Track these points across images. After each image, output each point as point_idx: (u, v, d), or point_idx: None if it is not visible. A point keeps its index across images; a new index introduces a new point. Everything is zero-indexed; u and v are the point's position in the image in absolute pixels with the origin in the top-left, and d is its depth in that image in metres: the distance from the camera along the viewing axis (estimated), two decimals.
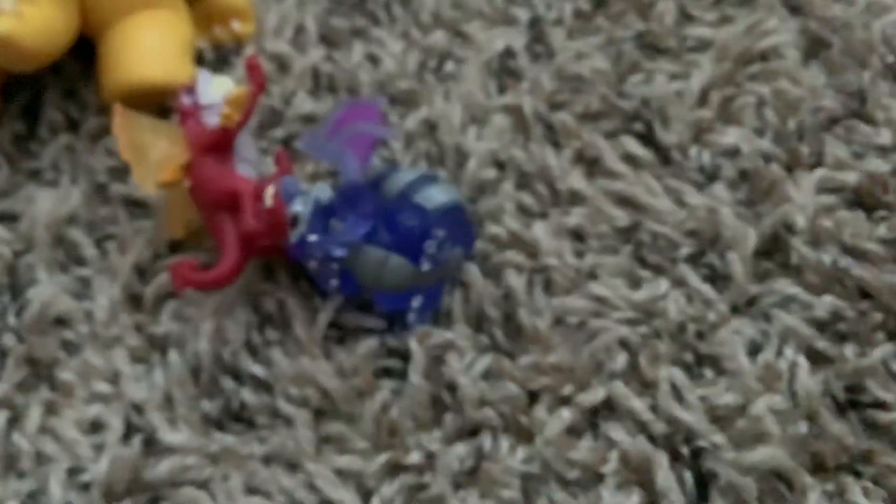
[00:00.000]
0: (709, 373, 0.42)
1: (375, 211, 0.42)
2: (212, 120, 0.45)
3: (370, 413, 0.42)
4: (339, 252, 0.42)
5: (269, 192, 0.43)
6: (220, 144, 0.44)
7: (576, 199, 0.47)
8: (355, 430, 0.42)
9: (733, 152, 0.47)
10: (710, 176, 0.47)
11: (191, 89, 0.46)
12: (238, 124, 0.44)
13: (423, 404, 0.42)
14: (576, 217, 0.46)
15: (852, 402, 0.41)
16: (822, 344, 0.42)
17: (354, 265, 0.42)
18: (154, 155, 0.45)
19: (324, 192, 0.43)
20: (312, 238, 0.42)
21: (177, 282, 0.43)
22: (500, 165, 0.48)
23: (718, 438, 0.40)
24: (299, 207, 0.42)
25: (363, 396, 0.42)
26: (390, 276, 0.42)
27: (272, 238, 0.43)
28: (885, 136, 0.47)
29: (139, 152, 0.44)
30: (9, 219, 0.49)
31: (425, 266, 0.42)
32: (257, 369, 0.43)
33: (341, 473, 0.41)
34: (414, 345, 0.43)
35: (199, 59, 0.53)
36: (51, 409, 0.43)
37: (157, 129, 0.45)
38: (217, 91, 0.45)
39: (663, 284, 0.44)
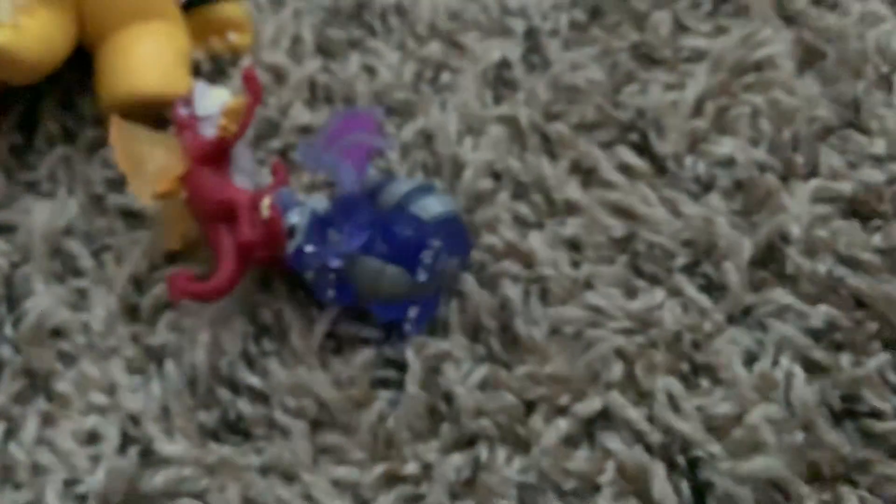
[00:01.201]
0: (705, 382, 0.42)
1: (372, 221, 0.42)
2: (208, 131, 0.45)
3: (367, 424, 0.42)
4: (335, 263, 0.42)
5: (266, 203, 0.43)
6: (217, 155, 0.45)
7: (572, 209, 0.47)
8: (352, 441, 0.42)
9: (728, 162, 0.47)
10: (705, 186, 0.47)
11: (187, 101, 0.46)
12: (235, 135, 0.44)
13: (419, 415, 0.42)
14: (572, 227, 0.46)
15: (848, 411, 0.41)
16: (817, 353, 0.42)
17: (351, 276, 0.42)
18: (151, 166, 0.45)
19: (320, 202, 0.43)
20: (309, 249, 0.42)
21: (174, 292, 0.43)
22: (496, 176, 0.48)
23: (715, 448, 0.40)
24: (296, 218, 0.42)
25: (360, 407, 0.42)
26: (387, 286, 0.42)
27: (269, 249, 0.43)
28: (879, 146, 0.47)
29: (136, 163, 0.44)
30: (5, 230, 0.49)
31: (422, 276, 0.42)
32: (254, 380, 0.43)
33: (338, 484, 0.41)
34: (410, 355, 0.43)
35: (196, 71, 0.53)
36: (47, 421, 0.43)
37: (153, 140, 0.45)
38: (214, 102, 0.45)
39: (659, 294, 0.44)
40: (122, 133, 0.44)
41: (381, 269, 0.42)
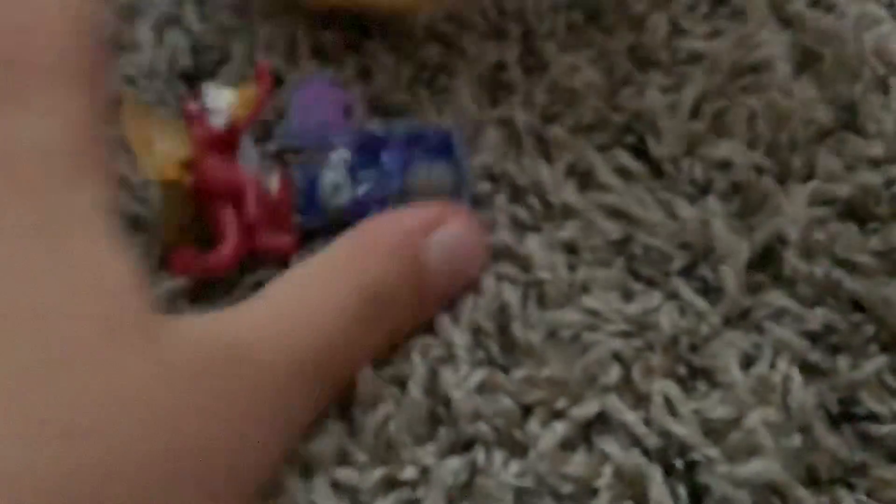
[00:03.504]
0: (702, 386, 0.42)
1: (398, 143, 0.43)
2: (218, 121, 0.45)
3: (370, 427, 0.41)
4: (394, 187, 0.42)
5: (274, 179, 0.43)
6: (227, 142, 0.44)
7: (568, 212, 0.47)
8: (353, 444, 0.41)
9: (725, 165, 0.47)
10: (702, 188, 0.47)
11: (197, 97, 0.46)
12: (245, 120, 0.44)
13: (420, 418, 0.42)
14: (568, 230, 0.46)
15: (846, 414, 0.41)
16: (815, 356, 0.42)
17: (412, 188, 0.43)
18: (159, 148, 0.45)
19: (343, 153, 0.43)
20: (362, 189, 0.42)
21: (177, 268, 0.43)
22: (493, 179, 0.48)
23: (712, 452, 0.40)
24: (331, 175, 0.42)
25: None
26: (436, 182, 0.44)
27: (275, 225, 0.43)
28: (877, 149, 0.47)
29: (144, 146, 0.44)
30: None
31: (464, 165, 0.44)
32: None
33: (337, 487, 0.41)
34: (415, 357, 0.42)
35: None
36: None
37: (164, 123, 0.45)
38: (223, 102, 0.45)
39: (656, 297, 0.44)
40: (133, 113, 0.44)
41: (429, 168, 0.42)
